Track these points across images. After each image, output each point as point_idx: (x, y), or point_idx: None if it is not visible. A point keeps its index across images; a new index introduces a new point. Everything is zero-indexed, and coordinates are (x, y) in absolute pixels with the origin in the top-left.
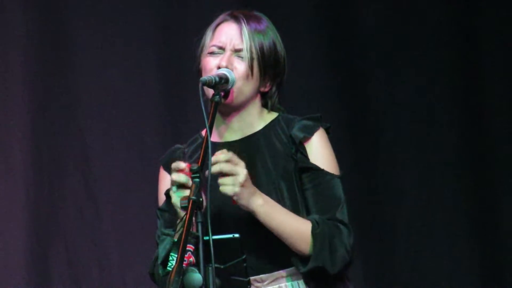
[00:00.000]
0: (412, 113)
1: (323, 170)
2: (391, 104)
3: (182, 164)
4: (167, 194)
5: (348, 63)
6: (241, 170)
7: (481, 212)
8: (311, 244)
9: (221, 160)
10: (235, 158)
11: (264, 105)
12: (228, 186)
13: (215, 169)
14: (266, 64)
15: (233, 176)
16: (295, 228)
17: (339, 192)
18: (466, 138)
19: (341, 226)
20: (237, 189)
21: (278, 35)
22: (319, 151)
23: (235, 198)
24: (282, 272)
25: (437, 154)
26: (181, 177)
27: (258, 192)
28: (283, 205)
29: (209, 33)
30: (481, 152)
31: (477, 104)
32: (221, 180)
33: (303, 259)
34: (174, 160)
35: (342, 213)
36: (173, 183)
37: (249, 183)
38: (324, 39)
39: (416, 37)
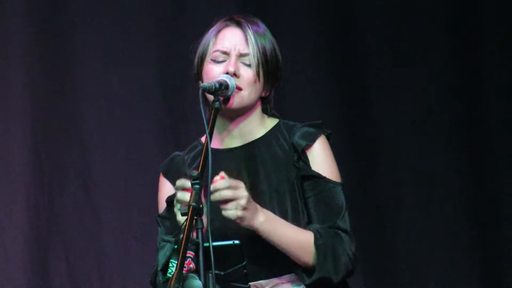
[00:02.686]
0: (411, 117)
1: (324, 178)
2: (390, 108)
3: (188, 183)
4: (168, 201)
5: (348, 68)
6: (242, 194)
7: (481, 214)
8: (314, 256)
9: (221, 187)
10: (234, 182)
11: (264, 110)
12: (231, 211)
13: (216, 197)
14: (269, 69)
15: (235, 201)
16: (297, 241)
17: (340, 200)
18: (465, 141)
19: (343, 234)
20: (239, 213)
21: (274, 38)
22: (321, 158)
23: (237, 221)
24: (282, 278)
25: (437, 158)
26: (186, 196)
27: (260, 209)
28: (285, 212)
29: (210, 39)
30: (481, 154)
31: (477, 106)
32: (223, 206)
33: (307, 270)
34: (174, 168)
35: (344, 221)
36: (178, 201)
37: (251, 204)
38: (324, 45)
39: (417, 39)
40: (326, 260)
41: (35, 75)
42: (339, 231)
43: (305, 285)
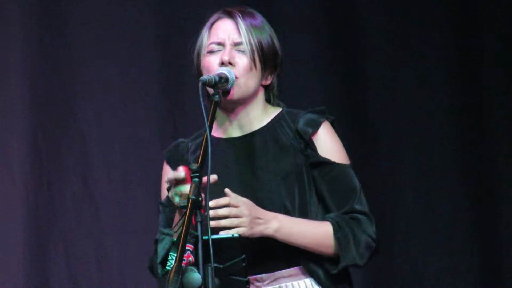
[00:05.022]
0: (411, 113)
1: (334, 162)
2: (390, 104)
3: (182, 174)
4: (169, 189)
5: (348, 62)
6: (243, 211)
7: (480, 213)
8: (336, 247)
9: (221, 204)
10: (234, 200)
11: (267, 99)
12: (238, 230)
13: (217, 213)
14: (266, 57)
15: (238, 219)
16: (316, 238)
17: (353, 181)
18: (465, 139)
19: (361, 217)
20: (245, 230)
21: (272, 29)
22: (328, 143)
23: (247, 236)
24: (283, 272)
25: (437, 155)
26: (182, 188)
27: (271, 217)
28: (293, 197)
29: (205, 33)
30: (481, 152)
31: (477, 104)
32: (226, 222)
33: (332, 260)
34: (177, 154)
35: (360, 203)
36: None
37: (257, 217)
38: (324, 39)
39: (416, 36)
40: (348, 248)
41: (34, 68)
42: (357, 214)
43: (332, 274)
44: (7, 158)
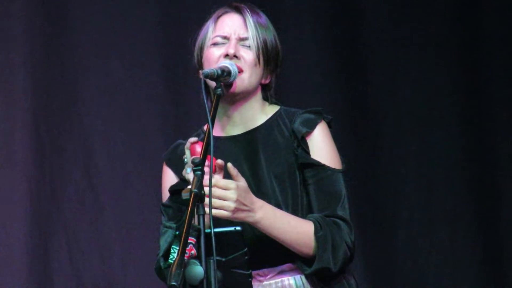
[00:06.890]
0: (412, 110)
1: (324, 165)
2: (391, 100)
3: (194, 138)
4: (171, 190)
5: (349, 60)
6: (229, 195)
7: (481, 210)
8: (314, 247)
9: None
10: (222, 182)
11: (264, 98)
12: (220, 212)
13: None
14: (270, 55)
15: (225, 202)
16: (297, 234)
17: (340, 187)
18: (466, 136)
19: (341, 223)
20: (226, 213)
21: (274, 28)
22: (321, 145)
23: (227, 218)
24: (285, 267)
25: (437, 152)
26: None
27: (258, 206)
28: (285, 197)
29: (210, 25)
30: (482, 149)
31: (478, 101)
32: (214, 203)
33: (307, 260)
34: (176, 156)
35: (343, 209)
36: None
37: (243, 203)
38: (326, 37)
39: (417, 34)
40: (326, 251)
41: (37, 61)
42: (338, 220)
43: (305, 274)
44: (10, 151)
